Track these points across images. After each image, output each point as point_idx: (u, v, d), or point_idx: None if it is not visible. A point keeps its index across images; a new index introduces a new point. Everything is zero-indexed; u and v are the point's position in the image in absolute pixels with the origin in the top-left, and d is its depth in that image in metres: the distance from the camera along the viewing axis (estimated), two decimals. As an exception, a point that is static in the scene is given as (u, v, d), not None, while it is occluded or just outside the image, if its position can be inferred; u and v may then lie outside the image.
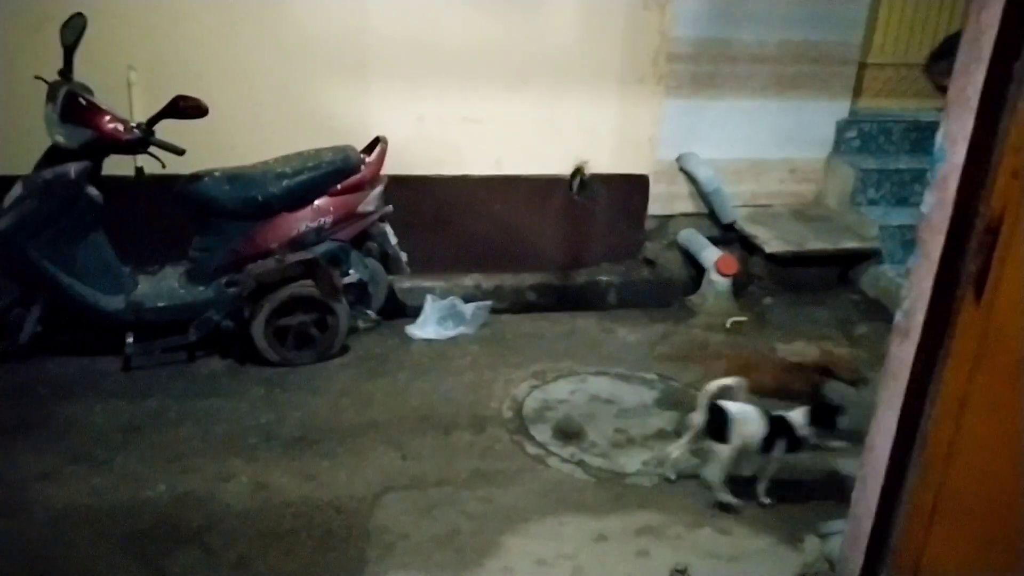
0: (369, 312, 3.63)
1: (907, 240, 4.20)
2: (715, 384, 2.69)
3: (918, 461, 1.71)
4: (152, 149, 3.15)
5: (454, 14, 3.76)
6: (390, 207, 3.59)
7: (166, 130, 3.12)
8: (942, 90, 2.93)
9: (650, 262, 4.34)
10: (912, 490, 1.73)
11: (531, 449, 2.99)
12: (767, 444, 2.64)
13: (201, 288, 3.38)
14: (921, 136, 4.57)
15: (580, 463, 2.92)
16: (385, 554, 2.44)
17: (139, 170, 3.45)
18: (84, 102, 3.07)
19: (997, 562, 1.59)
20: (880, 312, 4.06)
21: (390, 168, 3.60)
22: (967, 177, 1.55)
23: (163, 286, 3.39)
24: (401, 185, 3.72)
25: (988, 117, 1.51)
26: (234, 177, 3.30)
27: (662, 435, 3.11)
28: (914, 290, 1.68)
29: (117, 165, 3.30)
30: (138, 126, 3.13)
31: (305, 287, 3.36)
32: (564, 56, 3.92)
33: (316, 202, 3.40)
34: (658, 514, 2.66)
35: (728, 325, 4.01)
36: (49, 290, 3.14)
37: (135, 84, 3.53)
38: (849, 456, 2.87)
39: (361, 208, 3.47)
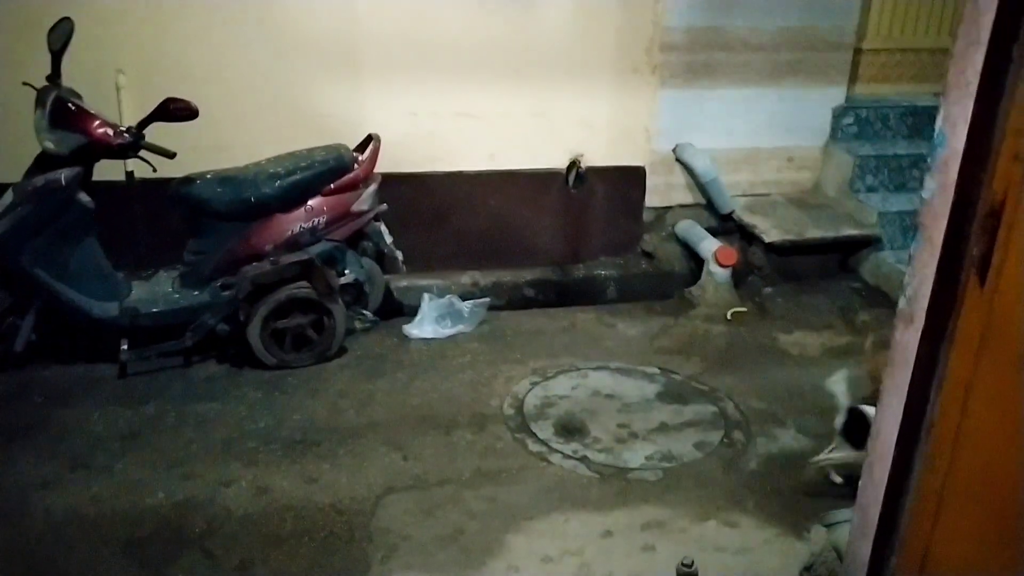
0: (366, 312, 3.61)
1: (906, 226, 4.19)
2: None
3: (925, 448, 1.69)
4: (143, 153, 3.13)
5: (445, 8, 3.73)
6: (385, 205, 3.56)
7: (156, 133, 3.10)
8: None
9: (648, 255, 4.32)
10: (919, 477, 1.71)
11: (533, 446, 2.97)
12: None
13: (196, 292, 3.35)
14: (918, 121, 4.54)
15: (583, 459, 2.90)
16: (389, 555, 2.43)
17: (130, 174, 3.43)
18: (73, 107, 3.04)
19: (1006, 548, 1.57)
20: (881, 299, 4.04)
21: (384, 166, 3.57)
22: (968, 161, 1.53)
23: (157, 291, 3.37)
24: (395, 183, 3.70)
25: (988, 100, 1.49)
26: (226, 179, 3.28)
27: (664, 429, 3.09)
28: (917, 276, 1.65)
29: (108, 170, 3.27)
30: (128, 130, 3.10)
31: (301, 288, 3.33)
32: (557, 48, 3.89)
33: (310, 202, 3.37)
34: (663, 508, 2.65)
35: (728, 316, 3.99)
36: (42, 298, 3.12)
37: (124, 88, 3.50)
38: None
39: (355, 207, 3.45)
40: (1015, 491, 1.52)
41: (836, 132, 4.50)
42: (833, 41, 4.30)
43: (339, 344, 3.49)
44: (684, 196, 4.40)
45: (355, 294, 3.56)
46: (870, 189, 4.41)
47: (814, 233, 4.19)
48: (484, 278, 4.06)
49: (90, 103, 3.13)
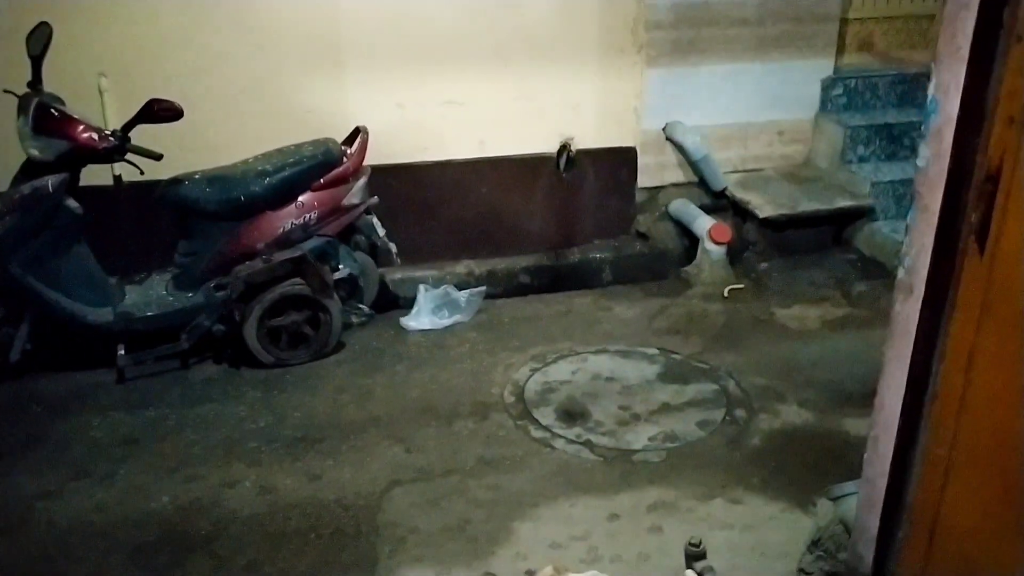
0: (362, 306, 3.59)
1: (900, 195, 4.17)
2: None
3: (929, 417, 1.69)
4: (129, 156, 3.10)
5: (427, -4, 3.69)
6: (375, 198, 3.54)
7: (142, 135, 3.06)
8: None
9: (643, 236, 4.30)
10: (925, 447, 1.71)
11: (536, 433, 2.97)
12: None
13: (190, 294, 3.33)
14: (907, 89, 4.52)
15: (586, 443, 2.90)
16: (397, 548, 2.43)
17: (117, 178, 3.39)
18: (56, 113, 3.01)
19: (1013, 513, 1.57)
20: (878, 269, 4.03)
21: (372, 158, 3.54)
22: (962, 127, 1.52)
23: (151, 294, 3.34)
24: (385, 175, 3.67)
25: (980, 65, 1.47)
26: (215, 178, 3.25)
27: (666, 409, 3.09)
28: (915, 246, 1.64)
29: (95, 174, 3.24)
30: (113, 133, 3.07)
31: (295, 286, 3.31)
32: (541, 31, 3.85)
33: (300, 198, 3.34)
34: (668, 489, 2.65)
35: (725, 294, 3.99)
36: (35, 306, 3.09)
37: (107, 91, 3.46)
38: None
39: (346, 201, 3.42)
40: (1021, 453, 1.52)
41: (825, 104, 4.48)
42: (819, 12, 4.27)
43: (336, 340, 3.48)
44: (676, 175, 4.37)
45: (350, 289, 3.54)
46: (862, 159, 4.39)
47: (808, 206, 4.18)
48: (479, 267, 4.04)
49: (73, 108, 3.10)
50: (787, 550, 2.31)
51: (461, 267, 4.04)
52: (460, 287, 3.86)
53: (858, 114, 4.47)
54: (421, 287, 3.81)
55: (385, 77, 3.75)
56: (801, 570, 2.17)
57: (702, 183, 4.38)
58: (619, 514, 2.54)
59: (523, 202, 4.12)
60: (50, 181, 3.00)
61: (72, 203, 3.08)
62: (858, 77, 4.50)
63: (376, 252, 3.68)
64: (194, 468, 2.79)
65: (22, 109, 2.99)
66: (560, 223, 4.20)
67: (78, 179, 3.13)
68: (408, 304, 3.80)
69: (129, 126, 3.04)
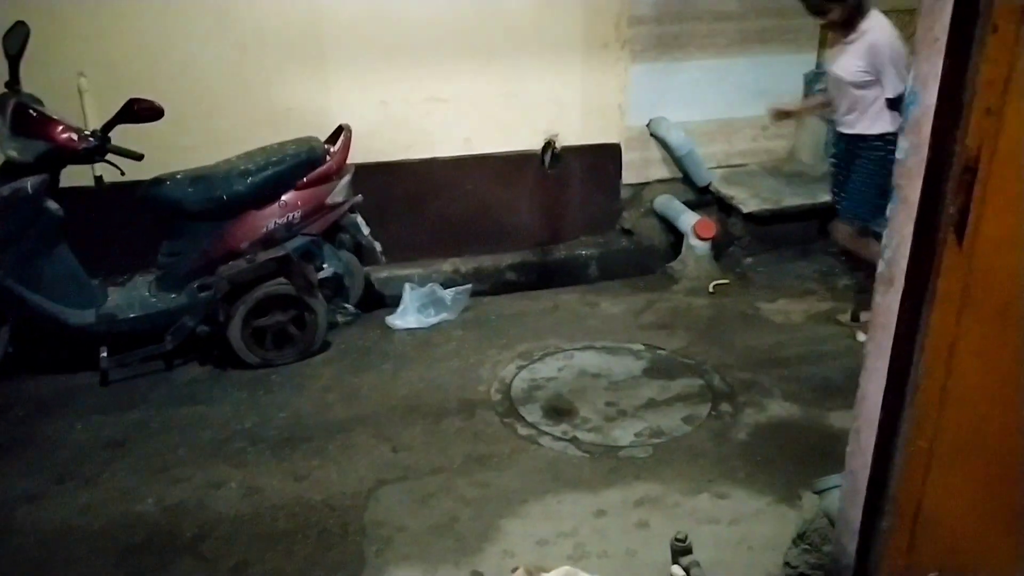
0: (347, 305, 3.58)
1: (883, 188, 4.19)
2: None
3: (911, 409, 1.69)
4: (109, 156, 3.08)
5: (408, -7, 3.68)
6: (360, 197, 3.52)
7: (122, 135, 3.04)
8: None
9: (628, 232, 4.31)
10: (907, 438, 1.72)
11: (523, 430, 2.97)
12: None
13: (173, 295, 3.31)
14: (889, 83, 4.53)
15: (573, 440, 2.90)
16: (384, 548, 2.42)
17: (98, 179, 3.36)
18: (35, 113, 2.98)
19: (996, 503, 1.58)
20: (862, 262, 4.04)
21: (356, 156, 3.53)
22: (940, 118, 1.52)
23: (134, 296, 3.32)
24: (369, 173, 3.66)
25: (957, 55, 1.48)
26: (197, 178, 3.23)
27: (653, 405, 3.09)
28: (895, 237, 1.65)
29: (76, 175, 3.21)
30: (93, 134, 3.04)
31: (279, 285, 3.30)
32: (525, 27, 3.85)
33: (283, 197, 3.33)
34: (655, 484, 2.65)
35: (711, 289, 4.00)
36: (17, 309, 3.06)
37: (86, 91, 3.42)
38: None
39: (330, 200, 3.41)
40: (1004, 444, 1.53)
41: (808, 98, 4.48)
42: (801, 7, 4.27)
43: (322, 339, 3.46)
44: (660, 171, 4.38)
45: (335, 288, 3.52)
46: (845, 154, 4.40)
47: (792, 201, 4.19)
48: (465, 264, 4.04)
49: (52, 108, 3.08)
50: (773, 544, 2.32)
51: (447, 265, 4.03)
52: (446, 285, 3.85)
53: (841, 108, 4.48)
54: (407, 285, 3.80)
55: (368, 75, 3.74)
56: (787, 563, 2.18)
57: (687, 179, 4.39)
58: (606, 510, 2.54)
59: (509, 199, 4.11)
60: (29, 183, 2.97)
61: (52, 204, 3.05)
62: (841, 71, 4.51)
63: (361, 251, 3.67)
64: (179, 470, 2.77)
65: (0, 110, 2.96)
66: (546, 220, 4.20)
67: (58, 180, 3.10)
68: (394, 303, 3.79)
69: (109, 126, 3.02)
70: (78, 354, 3.27)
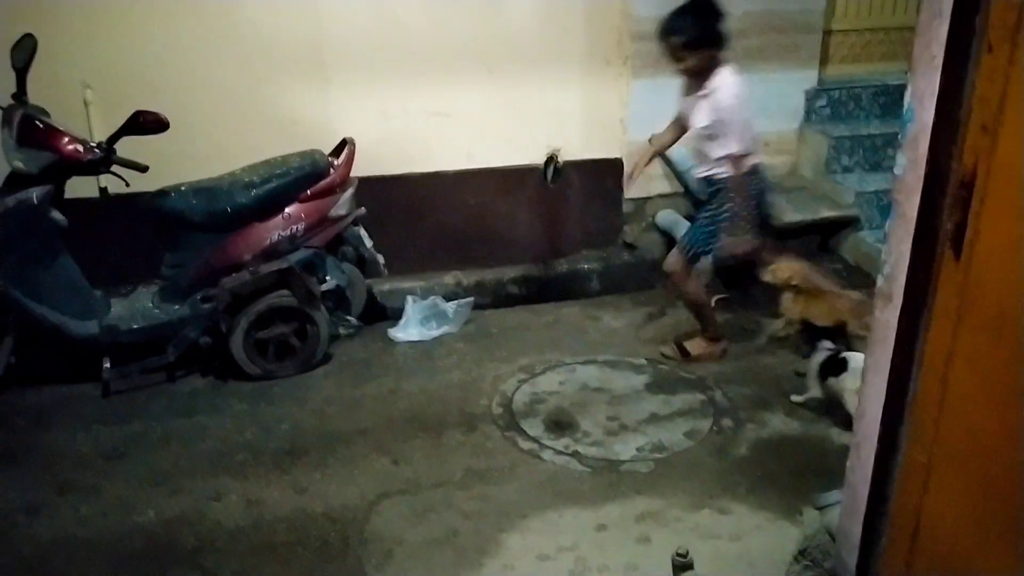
0: (349, 318, 3.58)
1: (883, 205, 4.20)
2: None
3: (909, 423, 1.69)
4: (114, 168, 3.09)
5: (412, 7, 3.70)
6: (363, 209, 3.54)
7: (127, 147, 3.06)
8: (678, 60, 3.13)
9: (630, 246, 4.32)
10: (906, 452, 1.72)
11: (524, 444, 2.96)
12: None
13: (176, 306, 3.32)
14: (890, 99, 4.56)
15: (574, 454, 2.90)
16: (384, 561, 2.41)
17: (103, 190, 3.38)
18: (41, 125, 3.00)
19: (994, 515, 1.58)
20: (863, 278, 4.05)
21: (359, 169, 3.54)
22: (937, 135, 1.53)
23: (137, 307, 3.33)
24: (372, 186, 3.67)
25: (954, 73, 1.49)
26: (201, 190, 3.25)
27: (654, 419, 3.09)
28: (893, 253, 1.66)
29: (81, 186, 3.23)
30: (98, 145, 3.06)
31: (282, 297, 3.31)
32: (528, 43, 3.87)
33: (287, 209, 3.34)
34: (656, 499, 2.64)
35: (713, 303, 3.99)
36: (20, 319, 3.07)
37: (92, 103, 3.45)
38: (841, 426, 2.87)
39: (333, 212, 3.42)
40: (1001, 456, 1.53)
41: (810, 115, 4.52)
42: (802, 23, 4.31)
43: (323, 351, 3.47)
44: (662, 186, 4.39)
45: (337, 300, 3.53)
46: (846, 170, 4.42)
47: (793, 216, 4.20)
48: (467, 277, 4.05)
49: (58, 119, 3.10)
50: (774, 559, 2.31)
51: (449, 278, 4.04)
52: (448, 298, 3.86)
53: (842, 124, 4.51)
54: (409, 298, 3.80)
55: (371, 89, 3.76)
56: (788, 579, 2.17)
57: (688, 193, 4.39)
58: (607, 524, 2.54)
59: (511, 213, 4.13)
60: (35, 193, 2.99)
61: (57, 215, 3.07)
62: (842, 88, 4.54)
63: (363, 263, 3.67)
64: (180, 481, 2.78)
65: (6, 121, 2.99)
66: (547, 234, 4.21)
67: (63, 191, 3.12)
68: (396, 315, 3.80)
69: (114, 138, 3.04)
70: (80, 365, 3.27)
